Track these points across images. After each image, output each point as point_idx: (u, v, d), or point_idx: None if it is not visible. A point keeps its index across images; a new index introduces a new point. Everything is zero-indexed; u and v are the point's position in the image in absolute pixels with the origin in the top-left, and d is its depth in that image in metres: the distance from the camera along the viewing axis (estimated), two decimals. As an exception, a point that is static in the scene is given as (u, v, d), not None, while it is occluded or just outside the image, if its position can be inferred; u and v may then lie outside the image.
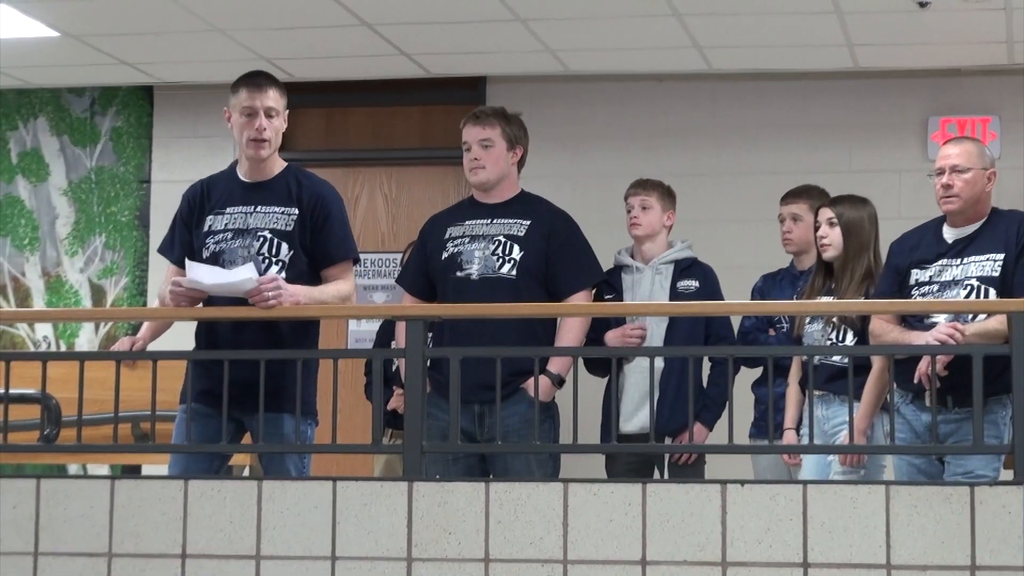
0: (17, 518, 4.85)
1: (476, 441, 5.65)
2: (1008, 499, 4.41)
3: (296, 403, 5.03)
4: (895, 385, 5.14)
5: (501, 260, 5.76)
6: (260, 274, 5.23)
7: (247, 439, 5.39)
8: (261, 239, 5.34)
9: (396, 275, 6.46)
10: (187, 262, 5.24)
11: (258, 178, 5.43)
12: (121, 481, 4.89)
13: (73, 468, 8.04)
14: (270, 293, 5.15)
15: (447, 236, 5.87)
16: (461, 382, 4.94)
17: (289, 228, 5.36)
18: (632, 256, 6.38)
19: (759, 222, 7.58)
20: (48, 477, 4.95)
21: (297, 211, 5.37)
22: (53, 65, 8.43)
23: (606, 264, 6.23)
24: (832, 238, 5.92)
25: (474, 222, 5.86)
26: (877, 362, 5.62)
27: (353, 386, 6.98)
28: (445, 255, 5.83)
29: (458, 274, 5.77)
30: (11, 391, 5.09)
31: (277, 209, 5.38)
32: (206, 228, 5.40)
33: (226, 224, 5.38)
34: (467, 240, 5.82)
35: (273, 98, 5.40)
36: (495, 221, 5.84)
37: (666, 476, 6.17)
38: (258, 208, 5.38)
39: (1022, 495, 4.40)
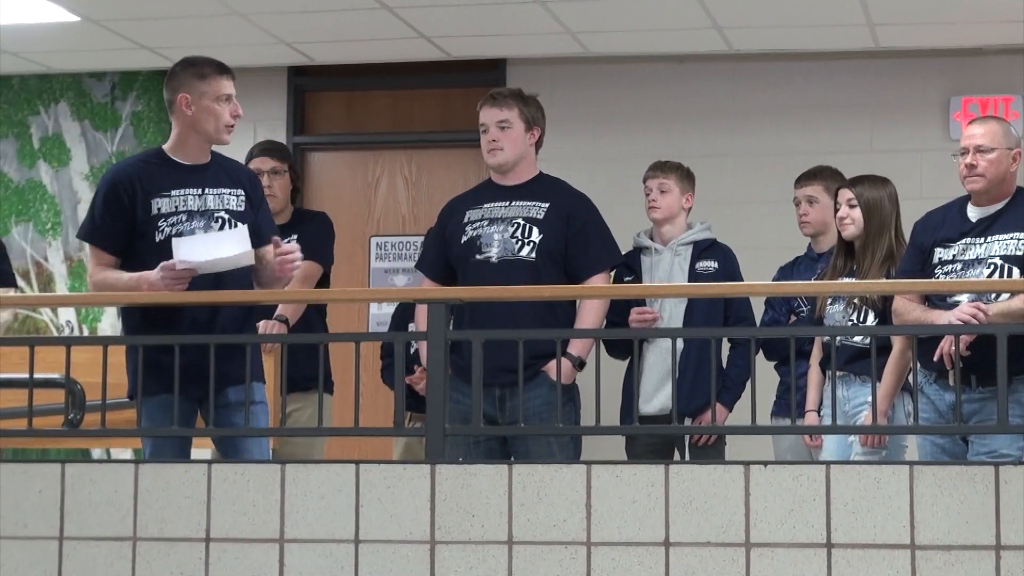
0: (42, 503, 4.87)
1: (497, 424, 5.65)
2: (1032, 479, 4.40)
3: (243, 373, 5.00)
4: (918, 365, 5.12)
5: (520, 243, 5.76)
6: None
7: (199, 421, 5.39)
8: (219, 220, 5.35)
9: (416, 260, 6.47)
10: (175, 240, 5.20)
11: (198, 161, 5.41)
12: (145, 465, 4.90)
13: (97, 452, 8.07)
14: (294, 263, 5.25)
15: (466, 220, 5.87)
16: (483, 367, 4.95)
17: (241, 208, 5.40)
18: (651, 238, 6.37)
19: (780, 203, 7.55)
20: (73, 462, 4.96)
21: (243, 192, 5.42)
22: (74, 50, 8.44)
23: (625, 246, 6.23)
24: (853, 218, 5.90)
25: (492, 204, 5.85)
26: (898, 342, 5.61)
27: (375, 369, 7.00)
28: (464, 239, 5.83)
29: (477, 257, 5.78)
30: (36, 376, 5.10)
31: (226, 190, 5.40)
32: (153, 212, 5.33)
33: (176, 207, 5.34)
34: (486, 223, 5.82)
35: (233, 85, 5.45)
36: (513, 203, 5.84)
37: (687, 457, 6.17)
38: (207, 190, 5.38)
39: (1047, 475, 4.40)
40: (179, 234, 5.28)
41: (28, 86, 9.08)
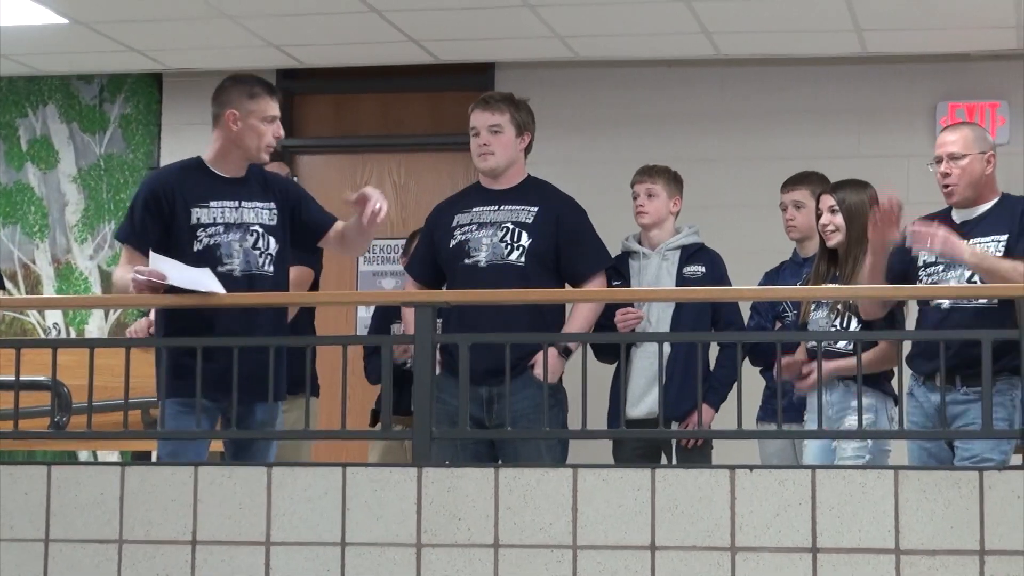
0: (28, 505, 4.87)
1: (484, 426, 5.66)
2: (1017, 484, 4.41)
3: (268, 390, 5.02)
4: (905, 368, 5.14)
5: (509, 247, 5.77)
6: (259, 270, 5.33)
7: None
8: (254, 234, 5.38)
9: (398, 261, 6.47)
10: (151, 254, 5.24)
11: (236, 174, 5.45)
12: (131, 468, 4.91)
13: (83, 455, 8.06)
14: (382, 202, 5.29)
15: (454, 224, 5.87)
16: (471, 368, 4.95)
17: (274, 223, 5.43)
18: (639, 242, 6.38)
19: (768, 207, 7.55)
20: (59, 464, 4.96)
21: (275, 205, 5.44)
22: (62, 52, 8.44)
23: (614, 250, 6.24)
24: (837, 225, 5.91)
25: (481, 208, 5.86)
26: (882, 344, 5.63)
27: (361, 373, 6.99)
28: (453, 243, 5.84)
29: (466, 261, 5.78)
30: (22, 378, 5.10)
31: (260, 204, 5.43)
32: (194, 221, 5.37)
33: (215, 218, 5.38)
34: (475, 227, 5.82)
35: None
36: (503, 207, 5.85)
37: (674, 461, 6.17)
38: (243, 203, 5.41)
39: (1031, 480, 4.41)
40: (217, 246, 5.34)
41: (16, 88, 9.07)
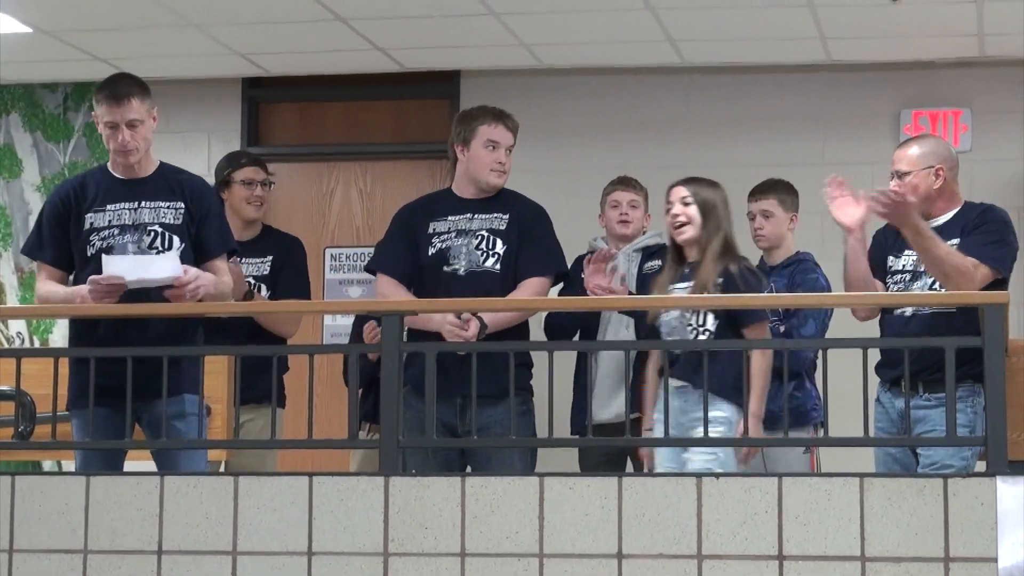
0: (-8, 515, 4.85)
1: (456, 433, 5.65)
2: (981, 491, 4.43)
3: (194, 384, 5.08)
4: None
5: (485, 254, 5.79)
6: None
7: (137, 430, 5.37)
8: (152, 233, 5.39)
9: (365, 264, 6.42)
10: (104, 257, 5.27)
11: (136, 175, 5.47)
12: (96, 478, 4.88)
13: (47, 465, 8.03)
14: (193, 285, 5.22)
15: (431, 231, 5.87)
16: (444, 377, 4.97)
17: (178, 222, 5.43)
18: (605, 243, 6.44)
19: (734, 215, 7.59)
20: (23, 474, 4.94)
21: (183, 205, 5.44)
22: (26, 61, 8.40)
23: (580, 251, 6.28)
24: (689, 216, 5.76)
25: (457, 217, 5.86)
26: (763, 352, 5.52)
27: (330, 380, 6.98)
28: (432, 251, 5.83)
29: (445, 269, 5.79)
30: (-15, 388, 5.09)
31: (163, 204, 5.43)
32: (87, 226, 5.41)
33: (110, 221, 5.41)
34: (453, 235, 5.83)
35: (135, 109, 5.39)
36: (476, 216, 5.86)
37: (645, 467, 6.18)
38: (143, 203, 5.42)
39: (995, 487, 4.43)
40: (110, 248, 5.34)
41: (-21, 96, 9.03)
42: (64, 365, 5.14)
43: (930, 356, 5.06)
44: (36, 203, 8.94)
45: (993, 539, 4.39)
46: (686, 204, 5.76)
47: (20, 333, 8.87)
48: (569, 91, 8.53)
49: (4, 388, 5.38)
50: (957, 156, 5.66)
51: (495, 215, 5.86)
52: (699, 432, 5.05)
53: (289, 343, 6.38)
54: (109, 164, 5.53)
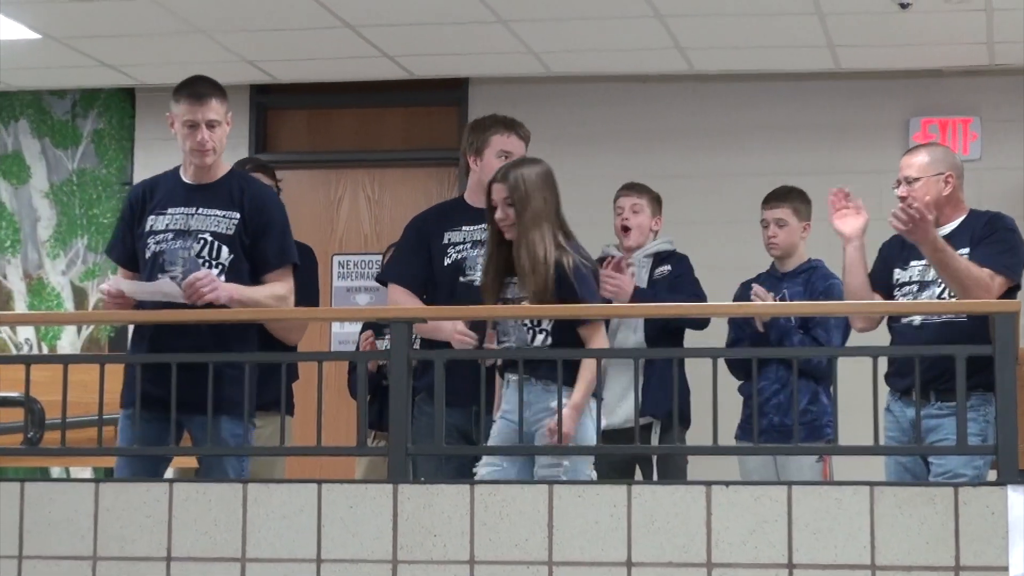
0: (1, 522, 4.84)
1: (471, 439, 5.64)
2: (992, 500, 4.42)
3: (233, 405, 5.04)
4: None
5: None
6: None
7: (186, 441, 5.39)
8: (202, 241, 5.36)
9: (376, 275, 6.41)
10: (111, 277, 5.30)
11: (202, 180, 5.44)
12: (105, 484, 4.88)
13: (56, 471, 8.03)
14: (205, 288, 5.18)
15: (446, 242, 5.85)
16: (457, 385, 4.98)
17: (230, 232, 5.38)
18: (618, 250, 6.44)
19: (742, 223, 7.59)
20: (32, 481, 4.94)
21: (239, 215, 5.39)
22: (34, 67, 8.42)
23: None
24: (509, 216, 5.38)
25: (472, 227, 5.84)
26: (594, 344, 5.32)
27: (338, 388, 6.98)
28: (448, 261, 5.82)
29: (461, 280, 5.77)
30: (-5, 394, 5.09)
31: (219, 212, 5.39)
32: (147, 228, 5.40)
33: (167, 224, 5.39)
34: (469, 246, 5.82)
35: (214, 109, 5.38)
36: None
37: (654, 470, 6.17)
38: (199, 210, 5.39)
39: (1006, 496, 4.42)
40: (162, 252, 5.33)
41: (-12, 103, 9.06)
42: (75, 372, 5.13)
43: (941, 365, 5.05)
44: (45, 209, 8.95)
45: (1004, 548, 4.38)
46: (508, 205, 5.35)
47: (28, 339, 8.88)
48: (578, 99, 8.53)
49: (13, 394, 5.38)
50: (962, 164, 5.68)
51: (507, 225, 5.86)
52: (544, 422, 5.10)
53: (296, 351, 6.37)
54: (181, 167, 5.49)
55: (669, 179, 7.52)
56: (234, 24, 7.62)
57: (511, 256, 5.35)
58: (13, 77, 8.66)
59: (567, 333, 5.30)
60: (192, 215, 5.38)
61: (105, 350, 8.63)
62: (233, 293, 5.26)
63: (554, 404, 5.01)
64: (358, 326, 7.19)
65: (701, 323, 6.52)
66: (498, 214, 5.37)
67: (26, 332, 8.88)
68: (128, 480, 5.07)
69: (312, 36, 7.75)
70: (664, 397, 6.01)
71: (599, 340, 5.29)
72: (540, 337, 5.34)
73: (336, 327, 8.50)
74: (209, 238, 5.35)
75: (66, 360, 5.21)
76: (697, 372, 5.65)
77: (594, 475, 5.25)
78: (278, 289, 5.41)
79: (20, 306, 8.88)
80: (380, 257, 7.41)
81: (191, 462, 5.78)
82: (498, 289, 5.39)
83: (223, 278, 5.30)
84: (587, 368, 5.20)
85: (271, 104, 8.89)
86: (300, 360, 6.15)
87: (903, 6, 7.05)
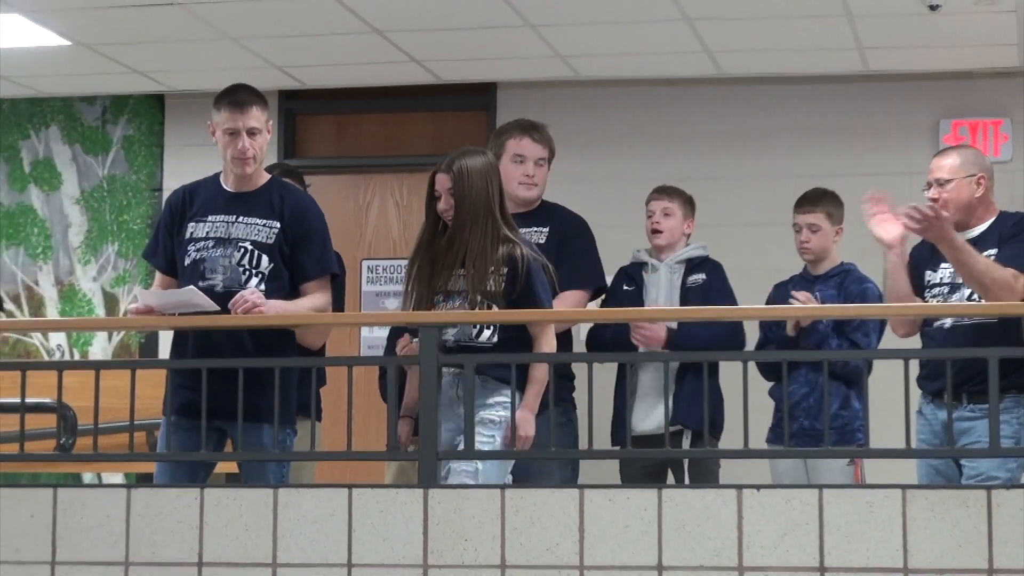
0: (34, 527, 4.86)
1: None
2: (1025, 502, 4.41)
3: (274, 413, 5.00)
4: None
5: None
6: (241, 286, 5.26)
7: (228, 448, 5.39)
8: (242, 250, 5.35)
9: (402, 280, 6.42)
10: (138, 291, 5.28)
11: (242, 188, 5.43)
12: (137, 490, 4.90)
13: (87, 477, 8.06)
14: (250, 305, 5.17)
15: None
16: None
17: (270, 241, 5.37)
18: (649, 255, 6.42)
19: (771, 225, 7.58)
20: (64, 486, 4.96)
21: (279, 224, 5.37)
22: (65, 74, 8.45)
23: (623, 262, 6.33)
24: (442, 210, 5.35)
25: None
26: (544, 347, 5.28)
27: (367, 393, 6.98)
28: None
29: None
30: (27, 400, 5.09)
31: (259, 221, 5.38)
32: (187, 235, 5.40)
33: (207, 232, 5.39)
34: None
35: (255, 116, 5.37)
36: (520, 230, 5.86)
37: (685, 477, 6.16)
38: (240, 219, 5.38)
39: (1039, 498, 4.40)
40: (202, 260, 5.33)
41: (19, 110, 9.08)
42: (106, 377, 5.14)
43: (973, 367, 5.04)
44: (75, 216, 8.99)
45: (1037, 551, 4.37)
46: (452, 195, 5.28)
47: (60, 345, 8.91)
48: (605, 102, 8.53)
49: (46, 400, 5.40)
50: (992, 166, 5.67)
51: (534, 228, 5.87)
52: (485, 416, 5.10)
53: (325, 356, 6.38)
54: (221, 174, 5.49)
55: (697, 181, 7.50)
56: (262, 30, 7.64)
57: (450, 247, 5.28)
58: (43, 84, 8.70)
59: (515, 327, 5.26)
60: (233, 223, 5.37)
61: (136, 356, 8.66)
62: (278, 310, 5.26)
63: (500, 399, 5.03)
64: (386, 330, 7.18)
65: (736, 344, 6.44)
66: (441, 204, 5.31)
67: (58, 338, 8.91)
68: (159, 486, 5.08)
69: (340, 41, 7.77)
70: (697, 410, 5.99)
71: (549, 336, 5.27)
72: (487, 332, 5.28)
73: (365, 331, 8.51)
74: (249, 247, 5.35)
75: (98, 366, 5.24)
76: (727, 375, 5.64)
77: (509, 480, 5.22)
78: (318, 301, 5.40)
79: (52, 312, 8.91)
80: (408, 263, 7.39)
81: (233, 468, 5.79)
82: (433, 281, 5.31)
83: (263, 287, 5.30)
84: (538, 368, 5.19)
85: (299, 109, 8.90)
86: (330, 365, 6.16)
87: (932, 8, 7.02)
